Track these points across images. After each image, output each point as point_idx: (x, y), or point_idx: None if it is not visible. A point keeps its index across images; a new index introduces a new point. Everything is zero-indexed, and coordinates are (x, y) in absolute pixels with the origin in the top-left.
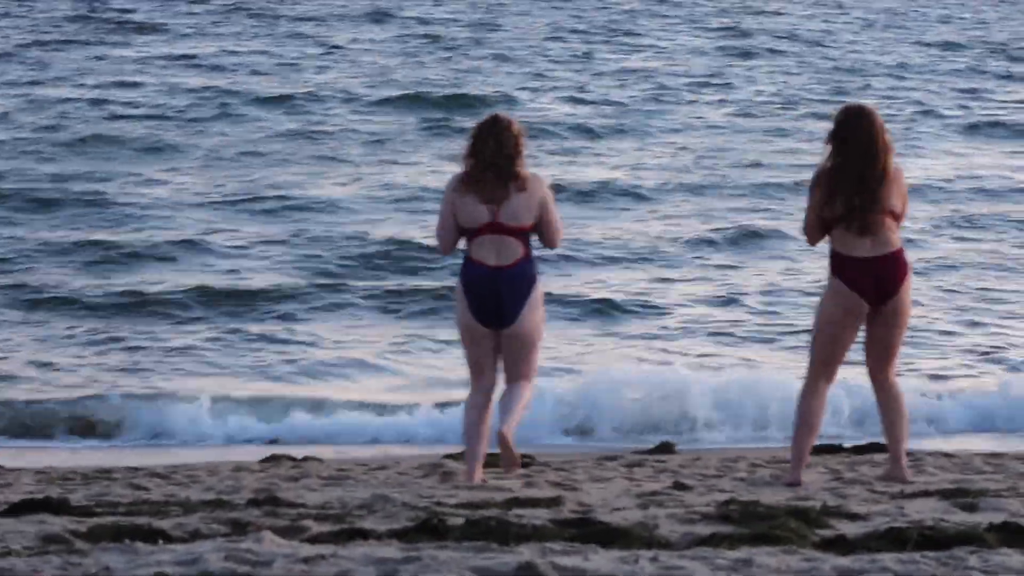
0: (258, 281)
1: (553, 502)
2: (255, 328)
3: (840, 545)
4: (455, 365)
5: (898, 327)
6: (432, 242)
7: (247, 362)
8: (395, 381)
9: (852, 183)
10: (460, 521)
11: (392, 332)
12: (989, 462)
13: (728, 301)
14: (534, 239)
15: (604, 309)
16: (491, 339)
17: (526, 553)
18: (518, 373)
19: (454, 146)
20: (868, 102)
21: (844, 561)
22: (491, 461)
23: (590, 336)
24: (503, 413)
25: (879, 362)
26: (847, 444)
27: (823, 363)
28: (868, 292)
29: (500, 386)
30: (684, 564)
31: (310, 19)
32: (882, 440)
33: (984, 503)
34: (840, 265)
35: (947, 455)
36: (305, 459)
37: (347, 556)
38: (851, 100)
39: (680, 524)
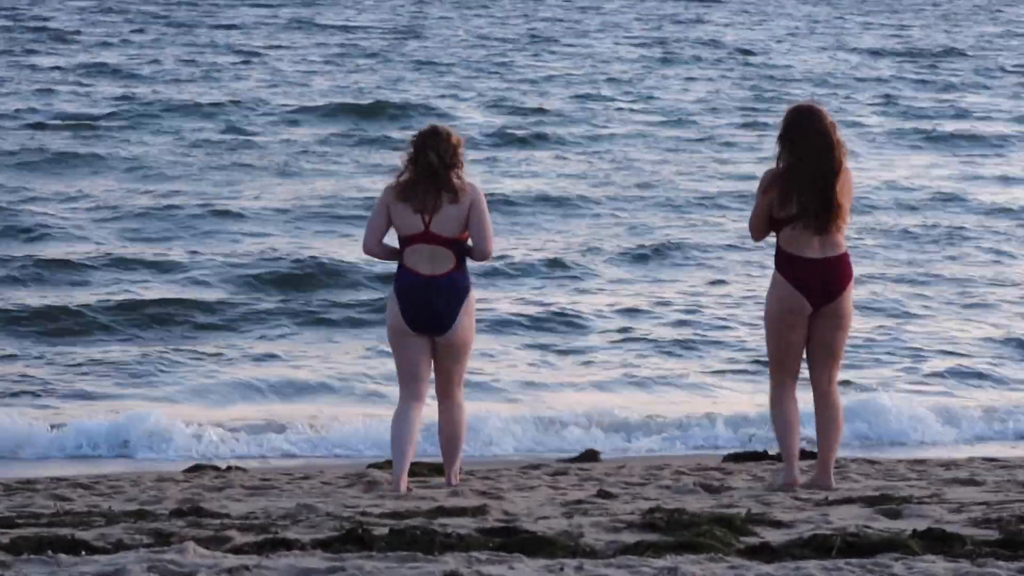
0: (178, 295)
1: (478, 511)
2: (176, 344)
3: (765, 552)
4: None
5: (841, 330)
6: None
7: (170, 379)
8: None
9: (806, 183)
10: (385, 531)
11: (313, 346)
12: (913, 469)
13: (645, 312)
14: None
15: (523, 321)
16: (423, 347)
17: (451, 562)
18: (451, 382)
19: (375, 156)
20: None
21: (769, 568)
22: (415, 470)
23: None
24: (448, 461)
25: (821, 367)
26: (772, 452)
27: (780, 362)
28: (813, 293)
29: (430, 398)
30: (609, 572)
31: (230, 27)
32: (807, 447)
33: (908, 510)
34: (787, 264)
35: (871, 462)
36: (229, 469)
37: (271, 566)
38: (800, 100)
39: (605, 532)
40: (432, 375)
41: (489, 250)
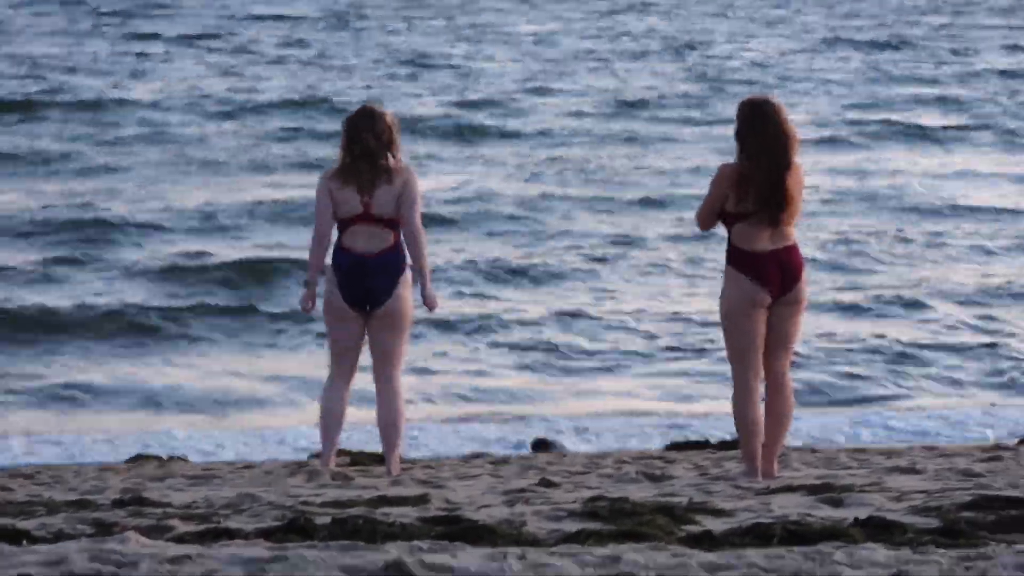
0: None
1: (420, 500)
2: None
3: (706, 541)
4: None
5: (797, 315)
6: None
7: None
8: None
9: (763, 179)
10: (327, 520)
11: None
12: (854, 457)
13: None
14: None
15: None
16: (358, 325)
17: (394, 551)
18: (388, 362)
19: (308, 150)
20: (768, 95)
21: (710, 557)
22: (357, 460)
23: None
24: (387, 448)
25: (776, 354)
26: (713, 440)
27: (742, 360)
28: (772, 283)
29: (359, 381)
30: (552, 561)
31: (154, 17)
32: None
33: (849, 498)
34: (741, 260)
35: (812, 450)
36: (170, 459)
37: (214, 556)
38: (753, 94)
39: (547, 521)
40: (362, 361)
41: (419, 227)
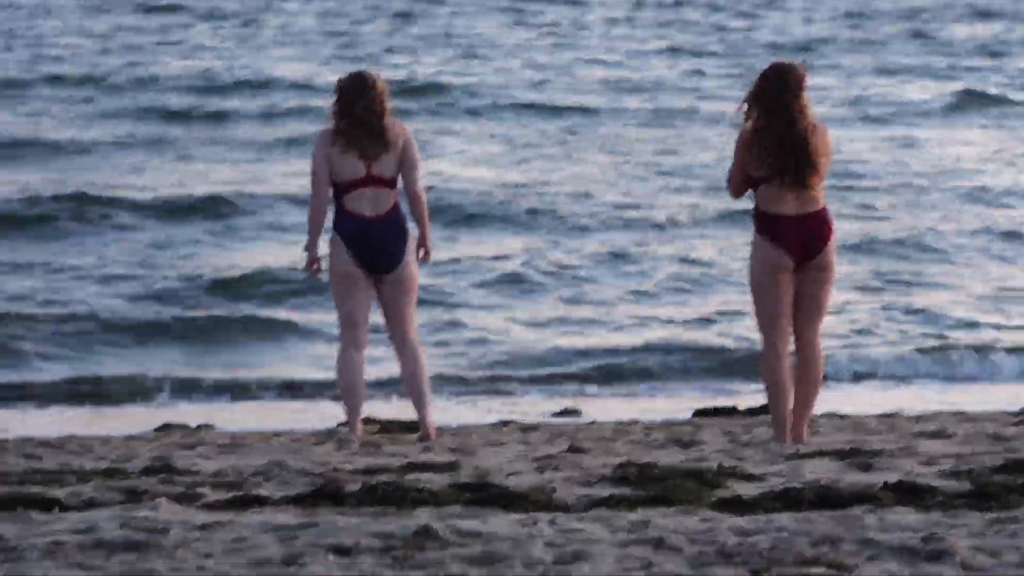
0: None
1: (450, 467)
2: None
3: (736, 505)
4: None
5: (826, 283)
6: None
7: None
8: None
9: (775, 142)
10: (357, 486)
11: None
12: (883, 422)
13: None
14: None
15: None
16: (367, 291)
17: (423, 517)
18: (405, 324)
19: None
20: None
21: (740, 521)
22: (386, 428)
23: None
24: (419, 408)
25: (806, 320)
26: (741, 407)
27: (770, 322)
28: (794, 249)
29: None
30: (582, 527)
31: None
32: None
33: (879, 463)
34: (766, 223)
35: (841, 416)
36: (199, 427)
37: (244, 523)
38: (776, 59)
39: (577, 487)
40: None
41: (419, 187)
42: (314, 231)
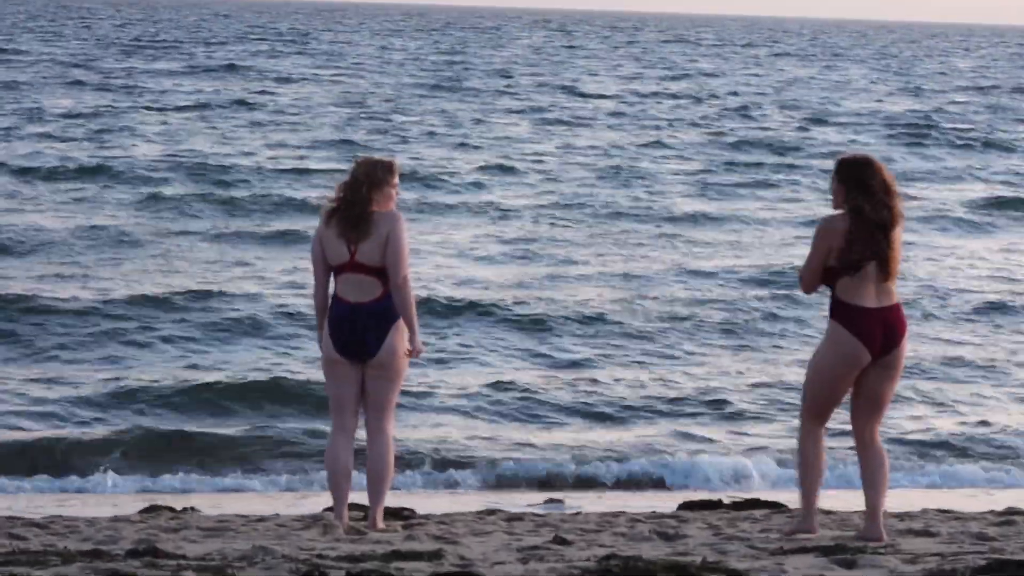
0: None
1: (434, 556)
2: None
3: None
4: None
5: (893, 380)
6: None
7: None
8: None
9: (869, 232)
10: (341, 574)
11: None
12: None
13: None
14: None
15: None
16: (353, 376)
17: None
18: (381, 410)
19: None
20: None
21: None
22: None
23: None
24: (373, 500)
25: (868, 417)
26: (726, 500)
27: (819, 410)
28: (875, 343)
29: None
30: None
31: None
32: (761, 496)
33: (863, 560)
34: (848, 315)
35: (826, 512)
36: (184, 510)
37: None
38: (851, 151)
39: None
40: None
41: (401, 277)
42: (318, 312)
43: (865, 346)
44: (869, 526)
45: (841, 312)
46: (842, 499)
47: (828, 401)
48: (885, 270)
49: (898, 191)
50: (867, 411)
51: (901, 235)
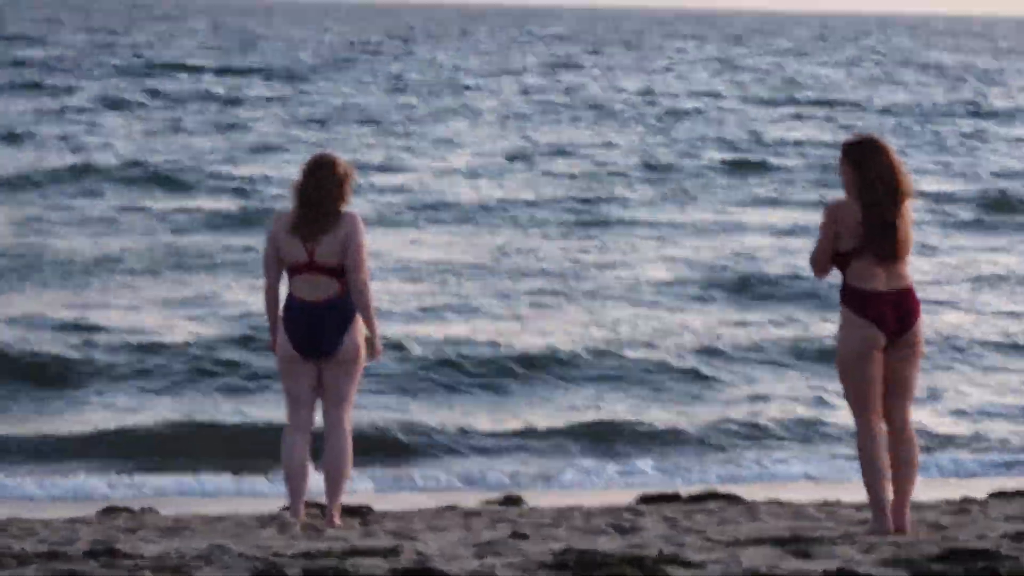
0: None
1: (391, 552)
2: None
3: None
4: None
5: (913, 361)
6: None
7: None
8: None
9: (876, 214)
10: (298, 571)
11: None
12: (822, 510)
13: None
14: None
15: None
16: (309, 374)
17: None
18: (338, 402)
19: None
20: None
21: None
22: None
23: None
24: (330, 494)
25: (897, 400)
26: (684, 494)
27: (864, 403)
28: (889, 324)
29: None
30: None
31: None
32: (720, 489)
33: (818, 550)
34: (858, 299)
35: (780, 503)
36: (142, 511)
37: None
38: (857, 133)
39: (518, 572)
40: (318, 405)
41: (360, 279)
42: (267, 312)
43: (880, 328)
44: (896, 518)
45: (851, 296)
46: (797, 489)
47: (864, 387)
48: (894, 252)
49: (906, 171)
50: (893, 395)
51: (910, 214)
